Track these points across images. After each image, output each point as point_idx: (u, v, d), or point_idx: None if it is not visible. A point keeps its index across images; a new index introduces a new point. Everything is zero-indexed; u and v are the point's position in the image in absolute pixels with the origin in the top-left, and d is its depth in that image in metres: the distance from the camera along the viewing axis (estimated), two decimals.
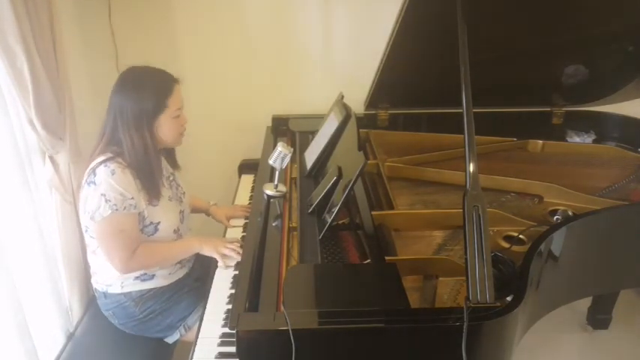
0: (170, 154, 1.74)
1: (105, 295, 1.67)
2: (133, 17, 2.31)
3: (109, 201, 1.47)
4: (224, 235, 1.89)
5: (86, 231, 1.61)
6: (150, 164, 1.55)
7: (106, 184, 1.48)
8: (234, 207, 2.03)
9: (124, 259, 1.54)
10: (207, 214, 2.00)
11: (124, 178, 1.50)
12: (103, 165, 1.49)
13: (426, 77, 1.90)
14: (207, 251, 1.67)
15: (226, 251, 1.66)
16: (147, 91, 1.51)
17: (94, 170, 1.50)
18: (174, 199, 1.69)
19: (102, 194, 1.47)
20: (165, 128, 1.56)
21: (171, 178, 1.73)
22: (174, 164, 1.77)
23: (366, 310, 1.11)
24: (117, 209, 1.48)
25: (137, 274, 1.64)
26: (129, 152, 1.52)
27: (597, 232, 1.61)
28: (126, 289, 1.65)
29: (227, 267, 1.64)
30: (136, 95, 1.51)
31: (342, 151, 1.67)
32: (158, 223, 1.61)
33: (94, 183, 1.49)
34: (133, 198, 1.51)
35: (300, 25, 2.38)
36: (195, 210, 1.94)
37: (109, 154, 1.52)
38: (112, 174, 1.48)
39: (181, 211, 1.71)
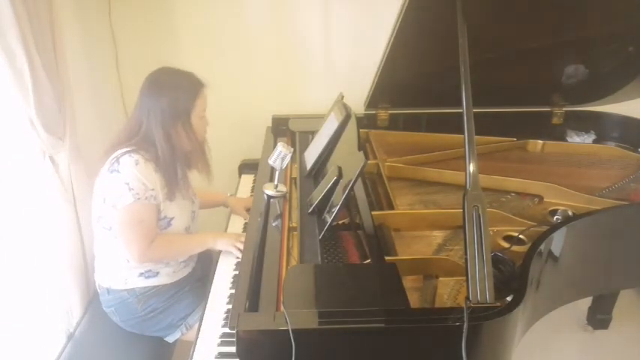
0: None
1: (108, 291, 1.68)
2: (133, 17, 2.31)
3: (132, 189, 1.51)
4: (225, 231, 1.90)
5: (98, 221, 1.62)
6: (174, 162, 1.60)
7: (130, 173, 1.51)
8: (250, 198, 2.04)
9: (143, 248, 1.57)
10: (226, 205, 2.02)
11: (146, 170, 1.53)
12: (127, 155, 1.53)
13: (426, 77, 1.90)
14: (223, 246, 1.70)
15: (241, 246, 1.67)
16: (181, 91, 1.58)
17: (117, 159, 1.53)
18: (187, 199, 1.72)
19: (126, 183, 1.51)
20: (193, 127, 1.62)
21: (184, 179, 1.74)
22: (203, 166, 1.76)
23: (366, 310, 1.11)
24: (139, 198, 1.52)
25: (142, 270, 1.65)
26: (161, 148, 1.56)
27: (597, 232, 1.61)
28: (129, 286, 1.66)
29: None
30: (171, 95, 1.56)
31: (342, 151, 1.67)
32: (172, 218, 1.65)
33: (118, 171, 1.52)
34: (153, 189, 1.55)
35: (300, 25, 2.38)
36: (210, 204, 1.95)
37: (133, 147, 1.55)
38: (136, 164, 1.52)
39: (192, 212, 1.75)
